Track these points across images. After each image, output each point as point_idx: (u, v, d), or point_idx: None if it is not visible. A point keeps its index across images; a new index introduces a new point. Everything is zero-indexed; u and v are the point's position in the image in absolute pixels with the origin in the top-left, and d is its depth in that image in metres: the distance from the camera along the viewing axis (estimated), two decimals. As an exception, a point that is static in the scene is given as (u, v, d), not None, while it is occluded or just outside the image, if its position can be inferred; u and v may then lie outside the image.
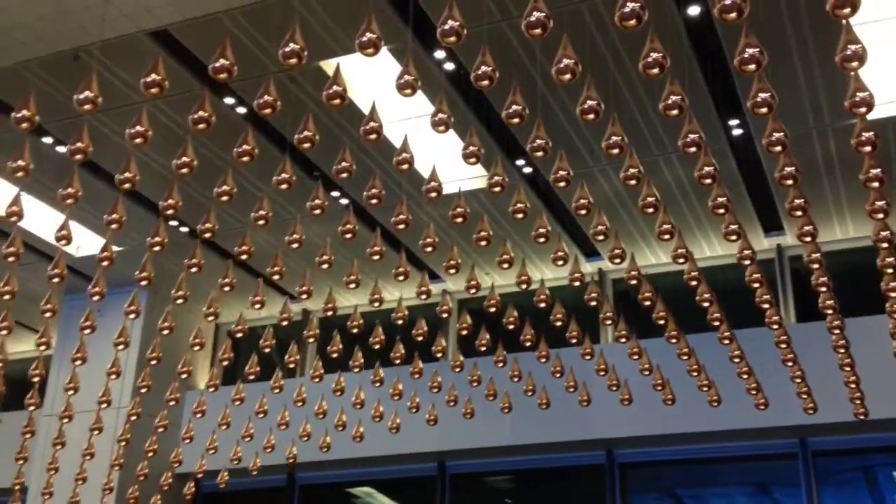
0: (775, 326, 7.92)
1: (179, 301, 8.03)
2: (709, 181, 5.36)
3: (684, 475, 10.56)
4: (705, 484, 11.40)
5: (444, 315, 8.76)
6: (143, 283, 7.97)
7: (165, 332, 8.54)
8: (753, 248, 7.07)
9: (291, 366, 9.78)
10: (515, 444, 10.78)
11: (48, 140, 8.94)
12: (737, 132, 9.59)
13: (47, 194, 9.69)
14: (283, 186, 6.19)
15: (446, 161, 9.37)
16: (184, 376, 9.29)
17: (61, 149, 8.87)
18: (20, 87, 8.28)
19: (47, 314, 7.55)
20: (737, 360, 8.56)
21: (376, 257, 7.46)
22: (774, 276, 11.68)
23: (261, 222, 6.81)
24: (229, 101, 8.94)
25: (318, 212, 6.45)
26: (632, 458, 11.14)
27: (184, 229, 10.43)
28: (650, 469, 11.51)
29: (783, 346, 8.29)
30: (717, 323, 7.99)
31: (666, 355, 9.18)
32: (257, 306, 9.35)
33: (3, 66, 8.10)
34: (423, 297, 8.23)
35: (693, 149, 5.19)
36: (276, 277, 8.19)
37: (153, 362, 8.84)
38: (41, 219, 10.10)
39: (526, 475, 11.49)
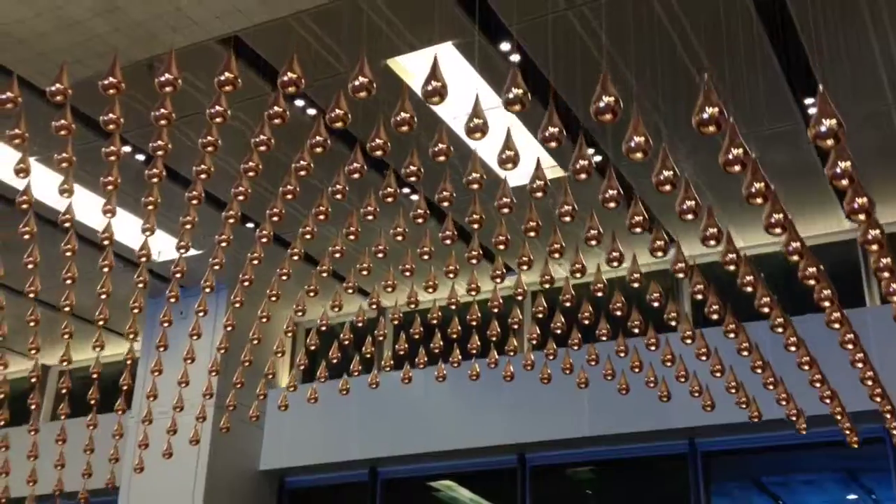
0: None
1: (260, 314, 8.20)
2: (668, 187, 5.04)
3: (769, 463, 10.35)
4: (791, 471, 11.17)
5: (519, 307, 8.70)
6: (207, 290, 8.31)
7: (229, 328, 8.81)
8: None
9: (366, 360, 9.88)
10: (595, 435, 10.71)
11: (127, 149, 9.18)
12: (813, 111, 9.38)
13: (127, 201, 9.96)
14: (356, 176, 6.20)
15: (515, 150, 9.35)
16: (270, 376, 9.50)
17: (140, 157, 9.11)
18: (99, 99, 8.53)
19: (135, 310, 7.90)
20: (849, 346, 8.22)
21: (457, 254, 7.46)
22: (858, 259, 11.37)
23: (351, 236, 7.03)
24: (300, 102, 9.06)
25: (390, 200, 6.44)
26: (714, 447, 10.97)
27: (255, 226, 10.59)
28: (734, 457, 11.32)
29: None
30: (826, 303, 7.56)
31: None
32: (336, 309, 9.51)
33: (82, 78, 8.35)
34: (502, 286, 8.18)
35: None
36: (353, 279, 8.27)
37: (247, 364, 9.11)
38: (122, 225, 10.39)
39: (607, 466, 11.41)
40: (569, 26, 8.03)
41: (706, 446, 10.95)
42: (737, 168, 4.55)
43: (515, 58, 8.46)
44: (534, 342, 9.01)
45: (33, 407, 9.72)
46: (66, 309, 7.72)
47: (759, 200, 4.65)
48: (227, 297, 11.75)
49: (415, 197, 9.91)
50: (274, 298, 8.53)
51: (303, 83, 5.30)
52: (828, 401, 8.05)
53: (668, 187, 4.72)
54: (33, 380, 8.99)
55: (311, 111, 8.94)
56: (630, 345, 9.49)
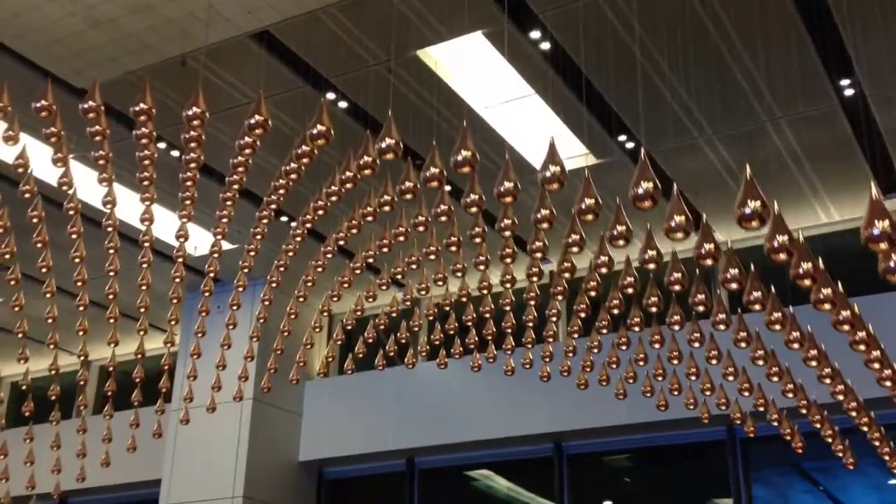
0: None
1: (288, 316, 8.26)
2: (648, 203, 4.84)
3: (810, 448, 10.24)
4: (832, 457, 11.05)
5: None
6: (240, 288, 8.44)
7: (261, 320, 8.94)
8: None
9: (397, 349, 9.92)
10: (632, 423, 10.68)
11: (161, 145, 9.29)
12: (848, 92, 9.25)
13: (162, 197, 10.07)
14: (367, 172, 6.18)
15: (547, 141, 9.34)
16: (300, 363, 9.60)
17: (175, 153, 9.21)
18: (133, 96, 8.63)
19: (174, 300, 8.06)
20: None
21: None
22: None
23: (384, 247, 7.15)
24: (331, 96, 9.11)
25: (409, 196, 6.41)
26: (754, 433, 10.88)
27: (294, 224, 10.67)
28: (773, 444, 11.23)
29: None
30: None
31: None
32: (370, 300, 9.57)
33: (116, 76, 8.45)
34: (534, 279, 8.18)
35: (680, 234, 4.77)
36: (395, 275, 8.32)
37: (278, 351, 9.23)
38: (158, 220, 10.51)
39: (644, 453, 11.38)
40: (600, 13, 7.98)
41: (744, 433, 10.87)
42: (647, 203, 4.50)
43: (546, 46, 8.44)
44: (575, 336, 8.98)
45: (82, 407, 9.90)
46: (111, 296, 7.89)
47: (647, 203, 4.57)
48: (263, 292, 11.88)
49: (447, 188, 9.95)
50: (302, 299, 8.59)
51: (207, 116, 5.38)
52: (888, 383, 7.92)
53: (647, 203, 4.60)
54: (81, 382, 9.12)
55: (343, 104, 8.98)
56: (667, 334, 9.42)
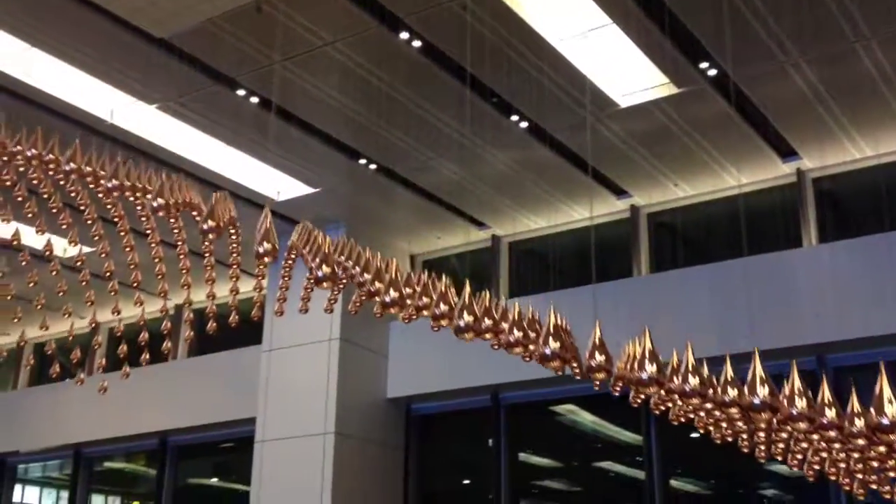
0: None
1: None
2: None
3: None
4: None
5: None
6: (265, 259, 8.36)
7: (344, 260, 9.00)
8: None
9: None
10: (722, 355, 10.54)
11: (241, 92, 9.40)
12: (712, 73, 9.00)
13: (245, 144, 10.24)
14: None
15: (626, 72, 9.16)
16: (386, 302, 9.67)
17: (254, 99, 9.31)
18: (211, 44, 8.73)
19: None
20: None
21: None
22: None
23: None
24: (404, 35, 9.06)
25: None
26: (846, 362, 10.67)
27: (372, 166, 10.76)
28: (867, 372, 10.99)
29: None
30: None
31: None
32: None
33: (192, 25, 8.54)
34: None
35: None
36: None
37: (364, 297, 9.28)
38: (238, 165, 10.71)
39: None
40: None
41: (837, 361, 10.66)
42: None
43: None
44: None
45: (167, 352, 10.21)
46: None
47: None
48: (345, 235, 12.05)
49: (524, 124, 9.87)
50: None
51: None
52: None
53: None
54: (165, 331, 9.36)
55: (416, 43, 8.93)
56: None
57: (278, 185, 11.22)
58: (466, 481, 12.88)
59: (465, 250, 12.88)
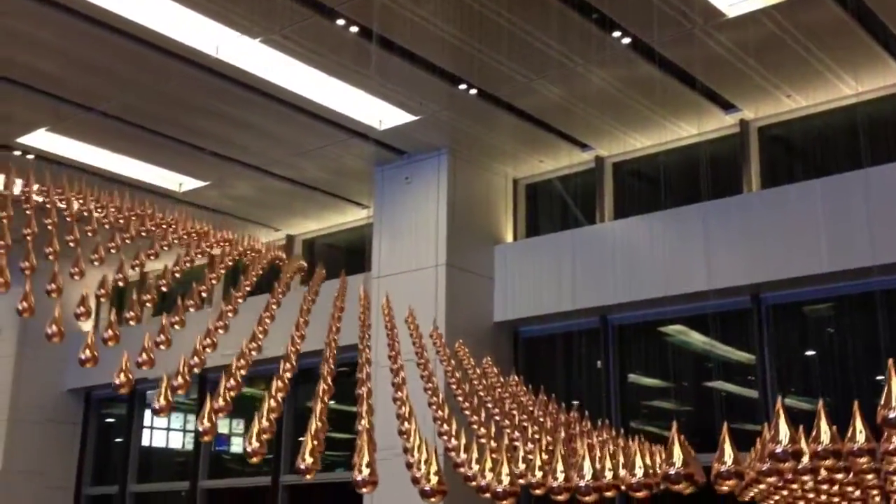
0: None
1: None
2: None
3: None
4: None
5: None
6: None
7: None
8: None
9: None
10: (833, 271, 10.27)
11: (341, 22, 9.44)
12: (625, 41, 8.46)
13: (347, 74, 10.31)
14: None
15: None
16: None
17: (353, 29, 9.34)
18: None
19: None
20: None
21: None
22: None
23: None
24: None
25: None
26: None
27: (473, 91, 10.70)
28: None
29: None
30: None
31: None
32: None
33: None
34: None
35: None
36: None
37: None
38: (341, 95, 10.81)
39: (847, 301, 10.96)
40: None
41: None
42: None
43: None
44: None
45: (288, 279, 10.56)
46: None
47: None
48: (448, 162, 12.10)
49: (627, 40, 9.63)
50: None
51: None
52: None
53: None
54: (278, 261, 9.62)
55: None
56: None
57: (380, 114, 11.30)
58: (575, 402, 13.01)
59: (569, 173, 12.76)
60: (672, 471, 3.10)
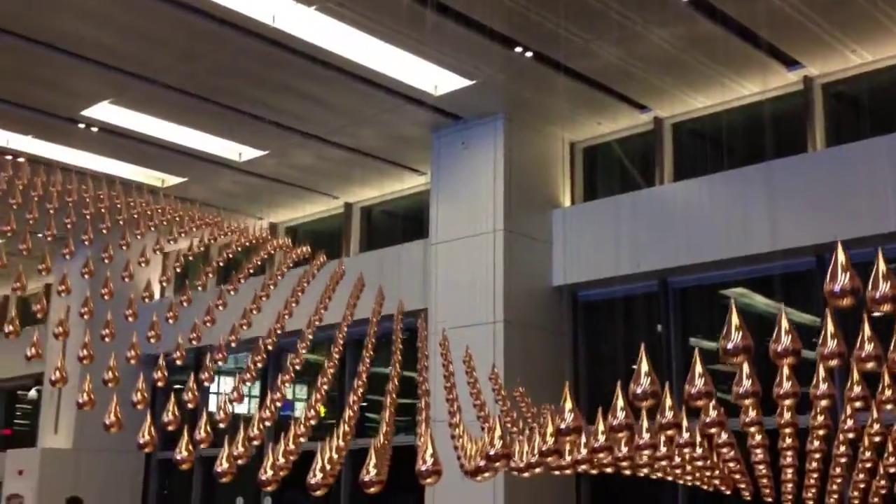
0: None
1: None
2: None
3: None
4: None
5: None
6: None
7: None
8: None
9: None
10: (902, 231, 10.02)
11: (394, -12, 9.40)
12: None
13: (402, 40, 10.30)
14: None
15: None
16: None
17: (407, -6, 9.31)
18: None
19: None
20: None
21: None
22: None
23: None
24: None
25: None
26: None
27: (529, 54, 10.59)
28: None
29: None
30: None
31: None
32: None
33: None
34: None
35: None
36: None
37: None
38: (396, 62, 10.80)
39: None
40: None
41: None
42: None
43: None
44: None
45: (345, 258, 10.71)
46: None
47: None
48: (504, 126, 12.03)
49: (686, -3, 9.42)
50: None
51: None
52: None
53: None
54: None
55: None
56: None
57: (436, 79, 11.27)
58: (635, 367, 12.95)
59: (627, 135, 12.61)
60: (730, 344, 3.01)
